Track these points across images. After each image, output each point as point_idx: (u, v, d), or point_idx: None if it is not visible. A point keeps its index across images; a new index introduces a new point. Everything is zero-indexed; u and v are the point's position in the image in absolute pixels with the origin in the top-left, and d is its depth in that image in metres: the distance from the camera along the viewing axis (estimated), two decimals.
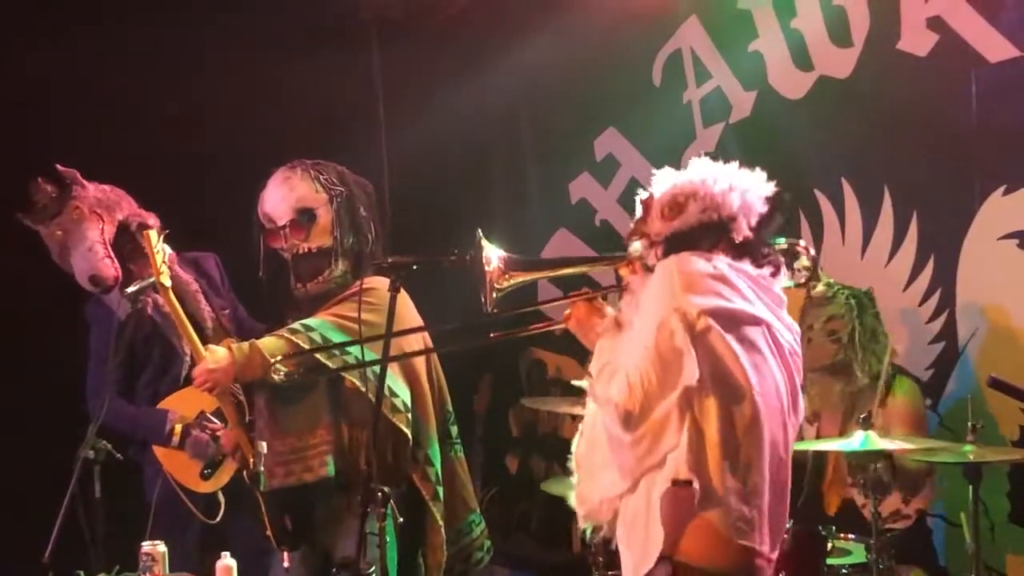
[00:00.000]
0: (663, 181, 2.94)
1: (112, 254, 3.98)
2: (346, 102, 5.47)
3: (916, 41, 4.45)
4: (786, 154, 4.94)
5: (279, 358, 3.60)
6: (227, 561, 3.50)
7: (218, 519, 3.94)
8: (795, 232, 4.90)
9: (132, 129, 4.77)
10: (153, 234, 3.76)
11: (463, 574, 4.00)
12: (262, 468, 3.62)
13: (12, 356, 4.59)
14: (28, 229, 4.02)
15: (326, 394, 3.77)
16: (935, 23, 4.38)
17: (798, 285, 3.10)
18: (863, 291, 4.18)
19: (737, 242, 2.82)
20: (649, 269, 2.89)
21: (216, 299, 4.17)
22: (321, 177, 3.89)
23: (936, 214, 4.49)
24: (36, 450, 4.42)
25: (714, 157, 2.98)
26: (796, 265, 2.89)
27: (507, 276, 3.01)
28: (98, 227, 3.98)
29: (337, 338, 3.68)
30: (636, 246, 2.95)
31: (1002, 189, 4.26)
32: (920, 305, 4.53)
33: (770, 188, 2.89)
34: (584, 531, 3.00)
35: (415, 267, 3.14)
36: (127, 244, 4.01)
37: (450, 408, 4.03)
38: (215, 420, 3.96)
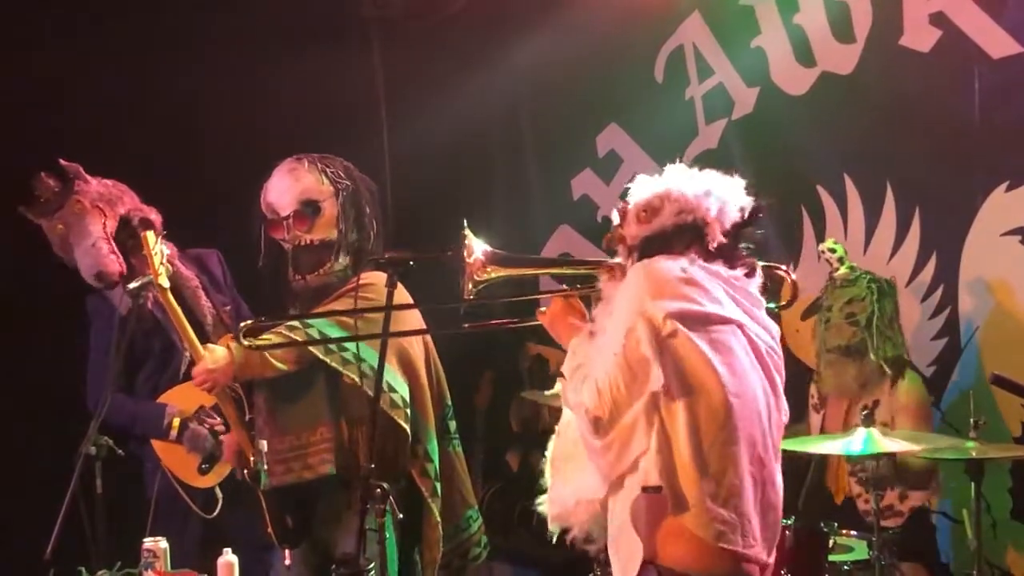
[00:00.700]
0: (639, 187, 2.95)
1: (116, 249, 3.98)
2: (347, 99, 5.45)
3: (919, 37, 4.44)
4: (788, 150, 4.94)
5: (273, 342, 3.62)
6: (228, 558, 3.49)
7: (215, 514, 3.94)
8: (794, 231, 4.92)
9: (134, 126, 4.77)
10: (151, 236, 3.76)
11: (460, 570, 4.00)
12: (263, 467, 3.62)
13: (12, 351, 4.59)
14: (30, 223, 4.02)
15: (325, 392, 3.77)
16: (938, 19, 4.38)
17: (780, 307, 3.12)
18: (885, 279, 4.20)
19: (712, 245, 2.83)
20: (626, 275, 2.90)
21: (218, 295, 4.18)
22: (328, 170, 3.88)
23: (939, 210, 4.49)
24: (37, 446, 4.42)
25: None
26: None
27: (487, 269, 3.03)
28: (100, 221, 3.98)
29: (335, 335, 3.68)
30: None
31: (1005, 185, 4.26)
32: (923, 301, 4.53)
33: (747, 195, 2.89)
34: (551, 534, 3.00)
35: (412, 263, 3.15)
36: (129, 239, 4.00)
37: (449, 403, 4.03)
38: (214, 415, 3.96)
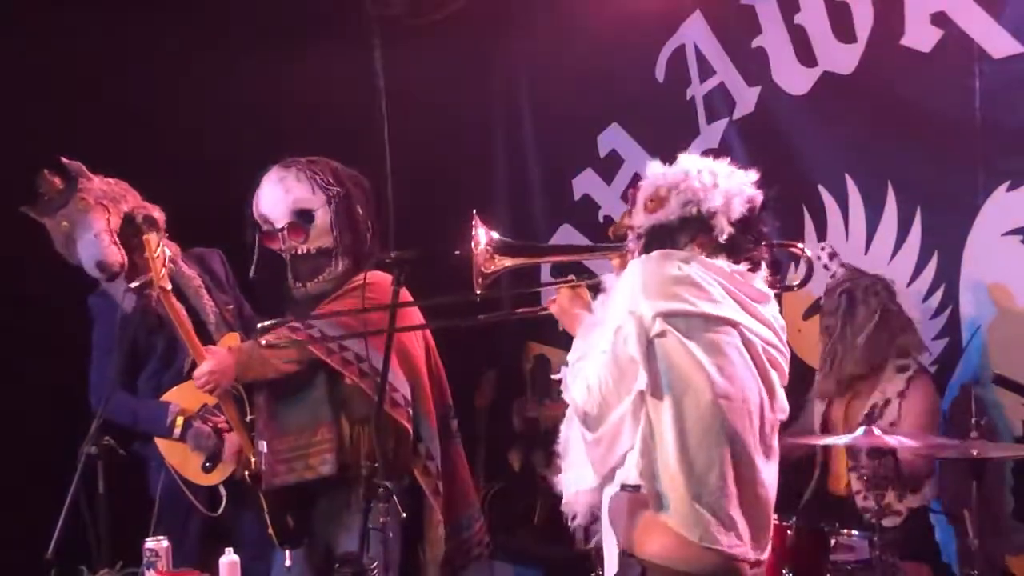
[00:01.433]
0: (650, 176, 2.94)
1: (118, 242, 3.98)
2: (348, 98, 5.45)
3: (920, 37, 4.44)
4: (789, 150, 4.94)
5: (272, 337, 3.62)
6: (231, 557, 3.49)
7: (220, 512, 3.94)
8: (796, 231, 4.91)
9: (135, 125, 4.76)
10: (153, 238, 3.76)
11: (462, 568, 4.00)
12: (264, 467, 3.62)
13: (15, 350, 4.59)
14: (32, 222, 4.02)
15: (326, 392, 3.78)
16: (939, 19, 4.37)
17: (796, 287, 3.12)
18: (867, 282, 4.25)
19: (716, 238, 2.82)
20: None
21: (220, 295, 4.18)
22: (317, 177, 3.88)
23: (940, 210, 4.49)
24: (39, 445, 4.41)
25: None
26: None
27: (495, 259, 3.03)
28: (104, 218, 3.99)
29: (336, 335, 3.69)
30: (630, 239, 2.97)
31: (1006, 185, 4.26)
32: (924, 301, 4.53)
33: (757, 188, 2.87)
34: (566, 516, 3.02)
35: (418, 260, 3.16)
36: (132, 236, 4.00)
37: (450, 402, 4.03)
38: (218, 413, 3.96)
